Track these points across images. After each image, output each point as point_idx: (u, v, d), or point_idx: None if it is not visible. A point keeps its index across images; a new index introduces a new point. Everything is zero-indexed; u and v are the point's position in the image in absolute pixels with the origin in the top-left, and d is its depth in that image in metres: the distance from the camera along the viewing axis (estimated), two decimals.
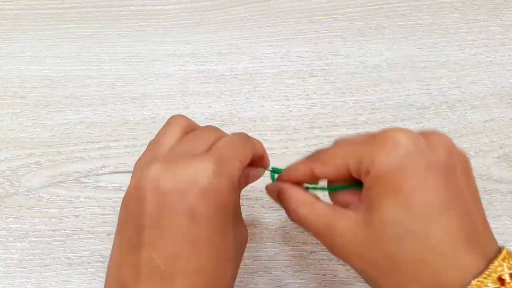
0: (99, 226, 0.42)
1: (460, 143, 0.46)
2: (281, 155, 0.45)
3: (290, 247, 0.41)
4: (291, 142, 0.46)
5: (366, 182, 0.27)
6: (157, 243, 0.26)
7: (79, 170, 0.45)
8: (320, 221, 0.29)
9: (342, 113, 0.47)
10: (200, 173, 0.27)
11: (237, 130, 0.46)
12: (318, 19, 0.53)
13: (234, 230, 0.29)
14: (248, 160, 0.31)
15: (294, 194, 0.31)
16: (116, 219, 0.41)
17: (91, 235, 0.42)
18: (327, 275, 0.40)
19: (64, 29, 0.52)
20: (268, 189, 0.34)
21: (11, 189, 0.44)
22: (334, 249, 0.28)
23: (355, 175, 0.28)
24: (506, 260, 0.24)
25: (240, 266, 0.40)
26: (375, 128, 0.46)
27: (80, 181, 0.44)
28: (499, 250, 0.25)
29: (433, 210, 0.25)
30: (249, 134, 0.46)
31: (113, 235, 0.42)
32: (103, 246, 0.41)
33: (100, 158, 0.45)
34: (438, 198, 0.25)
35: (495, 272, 0.24)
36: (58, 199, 0.43)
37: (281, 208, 0.43)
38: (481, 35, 0.52)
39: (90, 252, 0.41)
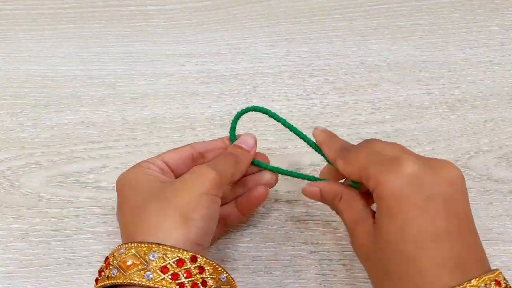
0: (99, 226, 0.42)
1: (460, 143, 0.46)
2: (281, 155, 0.45)
3: (290, 247, 0.41)
4: (291, 142, 0.46)
5: (374, 197, 0.31)
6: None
7: (79, 170, 0.45)
8: (352, 218, 0.33)
9: (342, 113, 0.47)
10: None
11: (236, 130, 0.46)
12: (318, 19, 0.53)
13: None
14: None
15: (335, 187, 0.36)
16: (115, 219, 0.41)
17: (91, 235, 0.42)
18: (327, 275, 0.40)
19: (64, 29, 0.52)
20: (307, 190, 0.37)
21: (11, 189, 0.44)
22: (353, 245, 0.33)
23: (364, 182, 0.32)
24: (486, 280, 0.28)
25: (240, 266, 0.40)
26: (375, 128, 0.46)
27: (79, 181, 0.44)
28: (490, 272, 0.28)
29: (425, 237, 0.28)
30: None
31: (113, 235, 0.42)
32: (103, 246, 0.41)
33: (100, 158, 0.45)
34: (434, 227, 0.28)
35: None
36: (58, 199, 0.43)
37: (280, 208, 0.43)
38: (481, 35, 0.52)
39: (90, 252, 0.41)
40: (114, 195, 0.43)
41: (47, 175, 0.44)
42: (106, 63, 0.50)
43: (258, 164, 0.39)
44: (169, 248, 0.30)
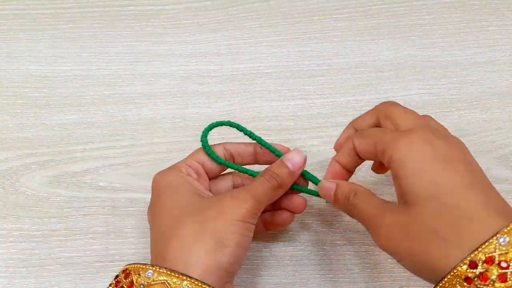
0: (99, 226, 0.42)
1: None
2: None
3: (290, 247, 0.41)
4: (291, 142, 0.46)
5: (391, 168, 0.32)
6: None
7: (79, 170, 0.45)
8: (371, 209, 0.33)
9: (342, 113, 0.47)
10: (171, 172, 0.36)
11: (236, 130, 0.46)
12: (318, 19, 0.53)
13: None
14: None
15: (351, 184, 0.35)
16: (115, 219, 0.41)
17: (91, 235, 0.42)
18: (327, 275, 0.40)
19: (64, 29, 0.52)
20: (323, 188, 0.36)
21: (11, 189, 0.44)
22: (377, 236, 0.32)
23: (379, 156, 0.33)
24: None
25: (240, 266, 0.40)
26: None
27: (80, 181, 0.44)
28: None
29: (460, 186, 0.29)
30: None
31: (112, 235, 0.42)
32: (103, 246, 0.41)
33: (100, 158, 0.45)
34: (463, 179, 0.30)
35: None
36: (58, 199, 0.43)
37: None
38: (481, 35, 0.52)
39: (90, 252, 0.41)
40: (113, 195, 0.44)
41: (47, 175, 0.44)
42: (106, 63, 0.50)
43: (297, 189, 0.38)
44: (199, 284, 0.30)
